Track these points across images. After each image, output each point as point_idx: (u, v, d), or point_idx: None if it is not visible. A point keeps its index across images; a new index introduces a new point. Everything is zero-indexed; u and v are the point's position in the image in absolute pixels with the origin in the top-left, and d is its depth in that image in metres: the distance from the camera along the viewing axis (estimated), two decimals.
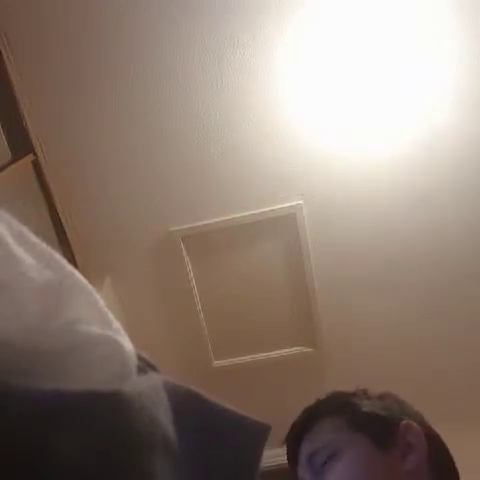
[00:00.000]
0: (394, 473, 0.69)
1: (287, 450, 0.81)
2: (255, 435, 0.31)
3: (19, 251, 0.24)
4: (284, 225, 2.16)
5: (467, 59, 1.89)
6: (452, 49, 1.88)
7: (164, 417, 0.25)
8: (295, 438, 0.79)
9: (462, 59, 1.90)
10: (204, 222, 2.16)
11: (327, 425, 0.76)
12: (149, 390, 0.25)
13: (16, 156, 1.95)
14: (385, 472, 0.70)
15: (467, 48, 1.88)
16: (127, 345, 0.27)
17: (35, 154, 2.02)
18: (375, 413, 0.76)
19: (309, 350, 2.38)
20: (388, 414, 0.76)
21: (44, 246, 0.26)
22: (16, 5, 1.88)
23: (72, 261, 2.16)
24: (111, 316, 0.27)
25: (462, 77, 1.92)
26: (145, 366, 0.29)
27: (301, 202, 2.10)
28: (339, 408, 0.78)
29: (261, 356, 2.41)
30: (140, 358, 0.29)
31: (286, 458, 0.81)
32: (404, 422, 0.74)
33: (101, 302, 0.27)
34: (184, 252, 2.20)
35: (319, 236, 2.16)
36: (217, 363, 2.43)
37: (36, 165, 2.05)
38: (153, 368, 0.30)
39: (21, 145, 1.98)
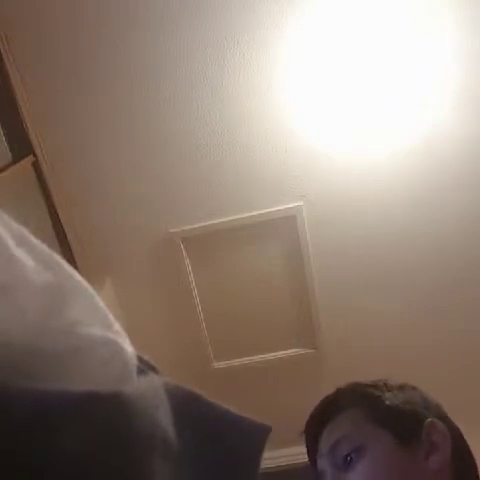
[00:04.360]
0: (417, 472, 0.68)
1: (306, 439, 0.79)
2: (255, 437, 0.31)
3: (19, 253, 0.24)
4: (284, 226, 2.16)
5: (467, 58, 1.90)
6: (452, 48, 1.89)
7: (164, 419, 0.25)
8: (316, 427, 0.77)
9: (462, 59, 1.90)
10: (204, 223, 2.16)
11: (349, 417, 0.74)
12: (149, 392, 0.25)
13: (16, 157, 1.95)
14: (408, 470, 0.68)
15: (467, 48, 1.88)
16: (127, 347, 0.27)
17: (35, 155, 2.02)
18: (398, 408, 0.73)
19: (309, 351, 2.38)
20: (412, 409, 0.73)
21: (44, 247, 0.26)
22: (16, 7, 1.88)
23: (72, 262, 2.16)
24: (111, 317, 0.27)
25: (462, 77, 1.92)
26: (145, 368, 0.29)
27: (301, 203, 2.10)
28: (361, 400, 0.76)
29: (261, 357, 2.41)
30: (140, 360, 0.29)
31: (305, 447, 0.79)
32: (429, 420, 0.72)
33: (101, 303, 0.27)
34: (184, 253, 2.20)
35: (319, 237, 2.16)
36: (217, 364, 2.43)
37: (36, 166, 2.05)
38: (153, 370, 0.30)
39: (21, 146, 1.99)
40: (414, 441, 0.70)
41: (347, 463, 0.69)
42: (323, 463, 0.74)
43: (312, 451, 0.77)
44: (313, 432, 0.77)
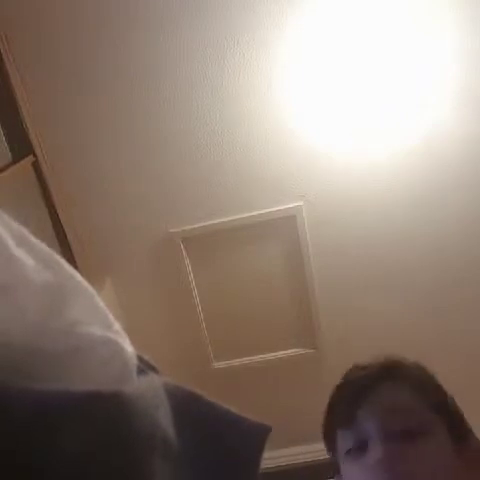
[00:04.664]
0: (458, 472, 0.68)
1: (354, 381, 0.78)
2: (255, 436, 0.31)
3: (19, 252, 0.24)
4: (284, 227, 2.16)
5: (467, 58, 1.90)
6: (452, 48, 1.88)
7: (164, 419, 0.25)
8: (374, 377, 0.75)
9: (462, 59, 1.90)
10: (204, 223, 2.16)
11: (413, 392, 0.73)
12: (149, 391, 0.25)
13: (16, 157, 1.95)
14: (453, 466, 0.68)
15: (467, 48, 1.88)
16: (127, 347, 0.27)
17: (35, 155, 2.02)
18: (455, 404, 0.74)
19: (309, 351, 2.38)
20: (460, 408, 0.74)
21: (44, 247, 0.26)
22: (16, 7, 1.88)
23: (72, 262, 2.16)
24: (111, 317, 0.27)
25: (462, 77, 1.92)
26: (145, 368, 0.29)
27: (301, 203, 2.10)
28: (424, 383, 0.76)
29: (261, 357, 2.40)
30: (140, 359, 0.29)
31: (343, 388, 0.79)
32: (469, 424, 0.73)
33: (101, 303, 0.27)
34: (184, 253, 2.20)
35: (319, 237, 2.16)
36: (217, 364, 2.43)
37: (36, 166, 2.04)
38: (153, 370, 0.30)
39: (21, 146, 1.98)
40: (461, 441, 0.71)
41: (407, 435, 0.68)
42: (366, 418, 0.72)
43: (356, 395, 0.75)
44: (369, 380, 0.76)
